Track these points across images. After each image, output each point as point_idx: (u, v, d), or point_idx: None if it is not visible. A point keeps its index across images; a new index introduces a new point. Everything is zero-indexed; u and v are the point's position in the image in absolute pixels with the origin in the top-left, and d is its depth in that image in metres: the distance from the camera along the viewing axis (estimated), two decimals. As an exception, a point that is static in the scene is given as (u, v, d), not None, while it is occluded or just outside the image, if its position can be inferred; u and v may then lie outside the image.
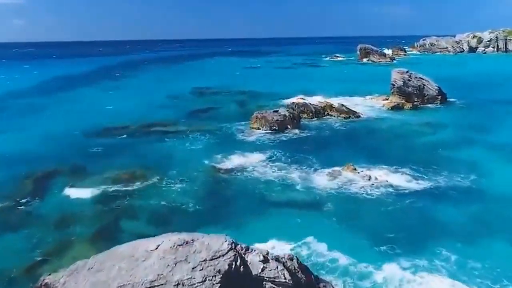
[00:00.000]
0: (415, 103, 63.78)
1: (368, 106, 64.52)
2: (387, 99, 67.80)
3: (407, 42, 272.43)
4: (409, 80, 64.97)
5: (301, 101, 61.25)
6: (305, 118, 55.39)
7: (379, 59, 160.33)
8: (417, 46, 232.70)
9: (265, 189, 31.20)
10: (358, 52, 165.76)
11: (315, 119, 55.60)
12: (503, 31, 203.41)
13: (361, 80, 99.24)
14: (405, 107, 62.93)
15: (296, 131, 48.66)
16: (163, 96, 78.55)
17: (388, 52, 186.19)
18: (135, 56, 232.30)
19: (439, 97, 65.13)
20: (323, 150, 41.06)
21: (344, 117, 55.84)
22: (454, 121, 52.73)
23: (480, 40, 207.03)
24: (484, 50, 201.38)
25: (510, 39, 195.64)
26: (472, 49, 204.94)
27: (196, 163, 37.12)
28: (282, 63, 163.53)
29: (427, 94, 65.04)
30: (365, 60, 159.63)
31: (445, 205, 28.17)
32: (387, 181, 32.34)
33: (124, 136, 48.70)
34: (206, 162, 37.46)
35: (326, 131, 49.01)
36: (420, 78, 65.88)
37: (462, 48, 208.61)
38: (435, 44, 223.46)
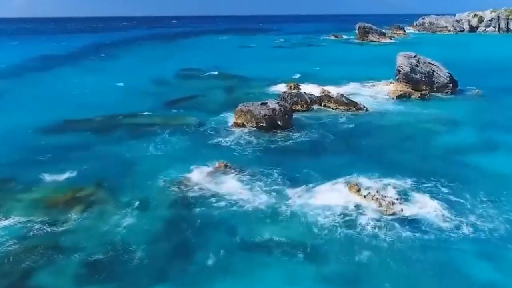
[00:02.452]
0: (423, 91, 54.37)
1: (371, 94, 55.07)
2: (391, 85, 58.52)
3: (405, 21, 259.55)
4: (416, 66, 55.40)
5: (295, 90, 51.89)
6: (298, 110, 46.16)
7: (378, 38, 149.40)
8: (416, 25, 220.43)
9: (241, 226, 22.20)
10: (357, 31, 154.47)
11: (310, 111, 46.38)
12: (505, 10, 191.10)
13: (361, 61, 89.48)
14: (412, 96, 53.56)
15: (287, 129, 39.49)
16: (145, 80, 68.93)
17: (387, 31, 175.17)
18: (129, 34, 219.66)
19: (450, 85, 55.63)
20: (319, 158, 32.13)
21: (344, 110, 46.58)
22: (473, 116, 43.58)
23: (481, 19, 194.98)
24: (485, 29, 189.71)
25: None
26: (473, 29, 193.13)
27: (158, 179, 28.04)
28: (277, 42, 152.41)
29: (437, 82, 55.55)
30: (364, 39, 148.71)
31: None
32: (402, 210, 23.54)
33: (85, 133, 39.51)
34: (170, 178, 28.32)
35: (323, 129, 39.70)
36: (429, 63, 56.24)
37: (462, 28, 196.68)
38: (434, 23, 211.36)
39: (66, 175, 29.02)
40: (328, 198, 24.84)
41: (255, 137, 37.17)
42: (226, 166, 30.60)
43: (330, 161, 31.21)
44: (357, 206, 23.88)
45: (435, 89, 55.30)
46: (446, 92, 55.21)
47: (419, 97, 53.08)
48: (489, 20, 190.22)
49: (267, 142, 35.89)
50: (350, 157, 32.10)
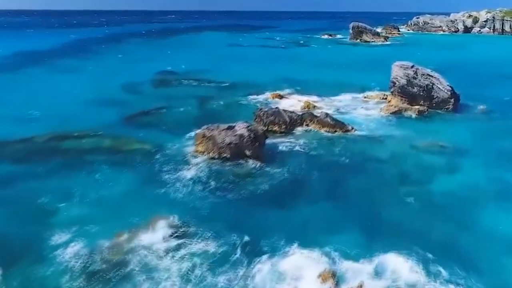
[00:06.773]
0: (421, 108, 45.73)
1: (362, 110, 46.22)
2: (385, 98, 49.92)
3: (401, 19, 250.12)
4: (414, 78, 46.65)
5: (275, 102, 43.17)
6: (275, 131, 37.56)
7: (372, 38, 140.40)
8: (410, 24, 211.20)
9: None
10: (351, 31, 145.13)
11: (289, 133, 37.64)
12: (500, 11, 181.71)
13: (354, 65, 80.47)
14: (408, 112, 44.91)
15: (257, 160, 30.82)
16: (116, 85, 59.82)
17: (382, 30, 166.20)
18: (125, 29, 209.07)
19: (452, 100, 46.86)
20: (290, 212, 23.53)
21: (329, 132, 37.90)
22: (481, 144, 34.75)
23: (476, 20, 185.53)
24: (480, 30, 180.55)
25: (507, 20, 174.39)
26: (467, 29, 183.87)
27: (64, 254, 19.37)
28: (269, 41, 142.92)
29: (437, 97, 46.79)
30: (358, 39, 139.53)
31: None
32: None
33: (4, 161, 30.78)
34: (84, 248, 19.73)
35: (300, 161, 30.84)
36: (428, 75, 47.41)
37: (457, 28, 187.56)
38: (428, 23, 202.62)
39: None
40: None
41: (215, 173, 28.47)
42: (166, 224, 22.17)
43: (303, 218, 22.69)
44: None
45: (434, 105, 46.58)
46: (447, 109, 46.53)
47: (416, 114, 44.40)
48: (484, 21, 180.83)
49: (227, 181, 27.17)
50: (329, 211, 23.51)
